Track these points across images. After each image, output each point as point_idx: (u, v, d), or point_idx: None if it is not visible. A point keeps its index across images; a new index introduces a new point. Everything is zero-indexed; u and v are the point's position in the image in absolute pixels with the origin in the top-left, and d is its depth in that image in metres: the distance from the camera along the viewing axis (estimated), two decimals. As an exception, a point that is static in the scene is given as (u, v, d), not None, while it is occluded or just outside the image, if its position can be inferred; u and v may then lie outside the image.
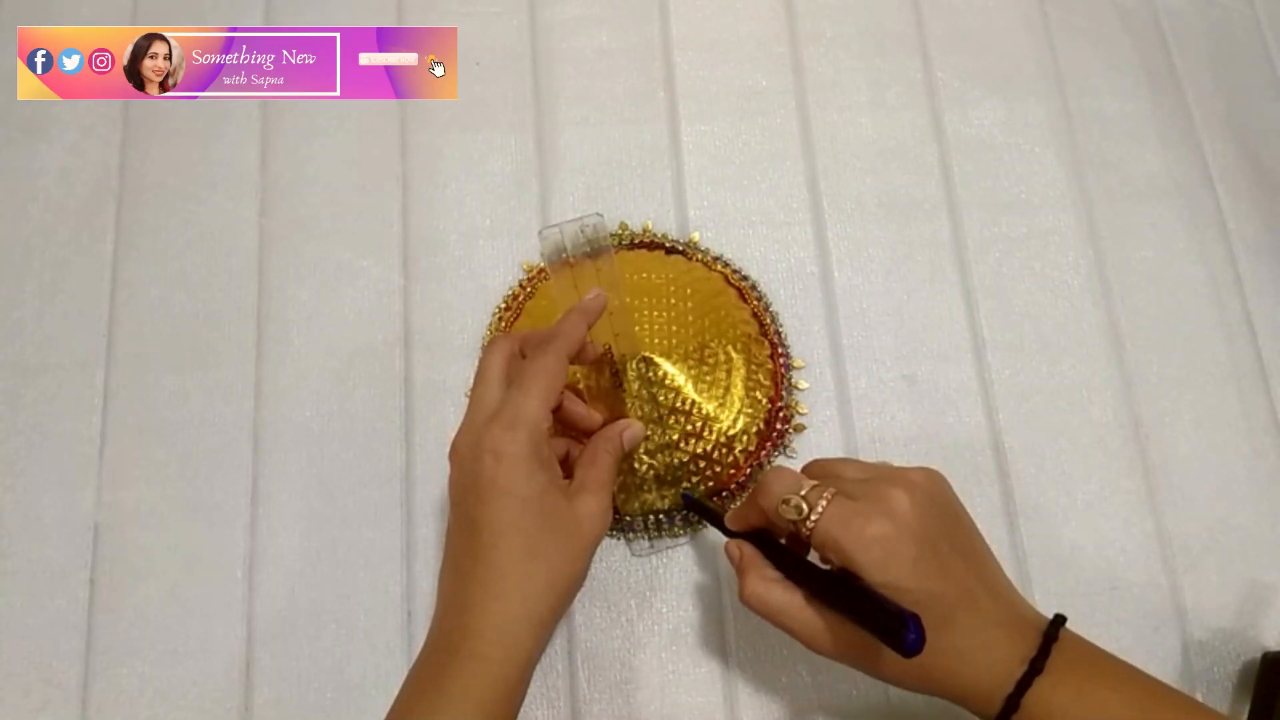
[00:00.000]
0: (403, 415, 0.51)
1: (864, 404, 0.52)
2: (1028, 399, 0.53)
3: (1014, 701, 0.36)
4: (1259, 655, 0.48)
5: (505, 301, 0.53)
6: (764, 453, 0.51)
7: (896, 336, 0.54)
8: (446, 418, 0.51)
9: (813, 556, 0.39)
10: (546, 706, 0.47)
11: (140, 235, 0.55)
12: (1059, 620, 0.38)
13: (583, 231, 0.47)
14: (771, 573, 0.40)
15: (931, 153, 0.58)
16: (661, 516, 0.49)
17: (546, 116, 0.57)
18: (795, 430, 0.52)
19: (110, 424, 0.51)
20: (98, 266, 0.54)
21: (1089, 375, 0.53)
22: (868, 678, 0.48)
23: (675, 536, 0.49)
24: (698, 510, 0.47)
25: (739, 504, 0.42)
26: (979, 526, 0.40)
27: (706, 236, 0.55)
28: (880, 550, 0.35)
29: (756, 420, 0.51)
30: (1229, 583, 0.50)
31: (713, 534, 0.49)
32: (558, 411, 0.42)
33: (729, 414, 0.50)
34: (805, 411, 0.52)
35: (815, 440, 0.52)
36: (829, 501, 0.37)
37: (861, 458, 0.50)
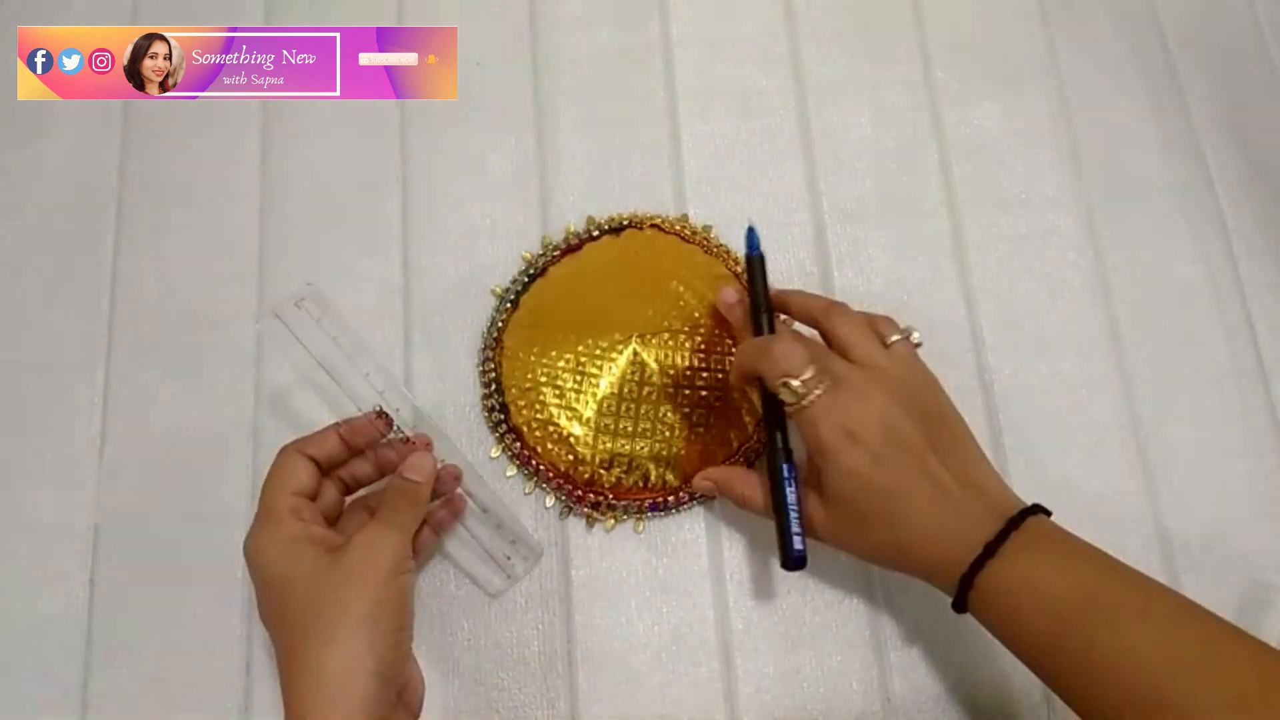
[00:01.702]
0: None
1: (864, 404, 0.52)
2: (1028, 399, 0.53)
3: (968, 580, 0.39)
4: (1259, 655, 0.48)
5: (505, 301, 0.53)
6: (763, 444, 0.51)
7: (896, 336, 0.53)
8: (446, 416, 0.51)
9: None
10: (546, 706, 0.47)
11: (140, 235, 0.55)
12: (1030, 509, 0.41)
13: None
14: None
15: (931, 153, 0.58)
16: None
17: (546, 116, 0.57)
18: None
19: (110, 424, 0.51)
20: (98, 266, 0.54)
21: (1089, 375, 0.53)
22: (868, 677, 0.48)
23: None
24: (755, 279, 0.48)
25: (751, 341, 0.46)
26: None
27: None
28: (846, 441, 0.40)
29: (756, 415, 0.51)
30: (1229, 583, 0.50)
31: (718, 526, 0.49)
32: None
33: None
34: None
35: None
36: (820, 394, 0.41)
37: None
